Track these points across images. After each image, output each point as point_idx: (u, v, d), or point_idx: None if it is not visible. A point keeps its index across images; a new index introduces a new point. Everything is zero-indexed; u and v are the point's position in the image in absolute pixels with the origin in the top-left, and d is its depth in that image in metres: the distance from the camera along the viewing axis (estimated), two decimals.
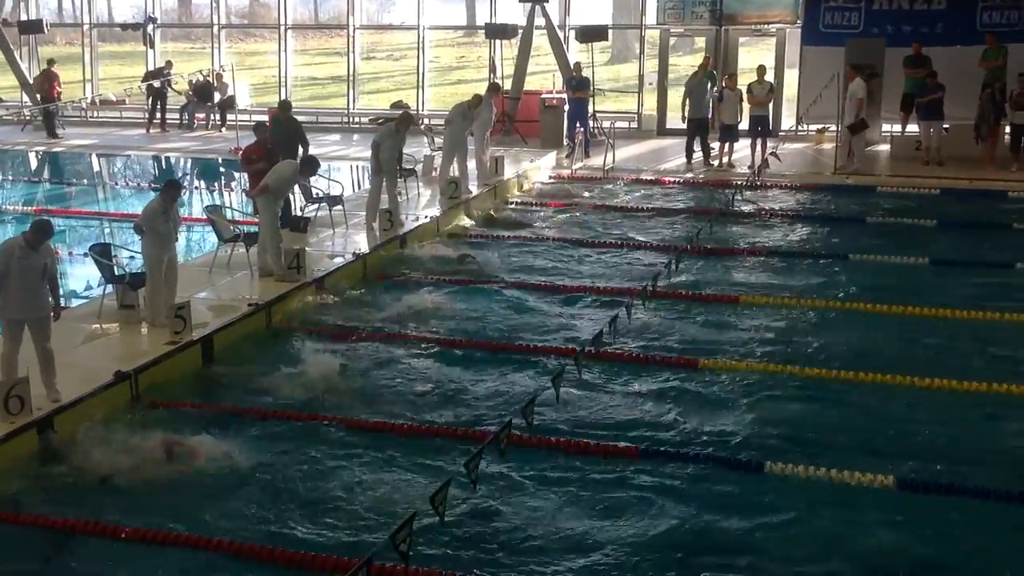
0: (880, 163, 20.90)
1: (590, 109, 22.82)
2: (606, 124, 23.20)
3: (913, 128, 21.28)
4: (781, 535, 7.37)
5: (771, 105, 21.44)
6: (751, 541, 7.32)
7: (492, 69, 25.13)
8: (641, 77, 25.78)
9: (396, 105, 16.53)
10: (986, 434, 9.03)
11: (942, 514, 7.57)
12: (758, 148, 20.57)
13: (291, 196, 14.71)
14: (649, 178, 20.22)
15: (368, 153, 15.99)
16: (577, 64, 22.71)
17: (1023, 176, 18.96)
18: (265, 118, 18.50)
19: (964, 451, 8.65)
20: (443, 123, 18.42)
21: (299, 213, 15.69)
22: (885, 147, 22.00)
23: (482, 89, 19.38)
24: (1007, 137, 20.06)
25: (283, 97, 24.99)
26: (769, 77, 21.53)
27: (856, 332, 11.51)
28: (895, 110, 21.50)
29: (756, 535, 7.39)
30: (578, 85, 22.36)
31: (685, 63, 29.29)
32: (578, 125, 21.97)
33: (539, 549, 7.25)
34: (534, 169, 20.64)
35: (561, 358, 10.33)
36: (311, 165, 13.56)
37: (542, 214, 17.58)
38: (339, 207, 15.79)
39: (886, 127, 22.36)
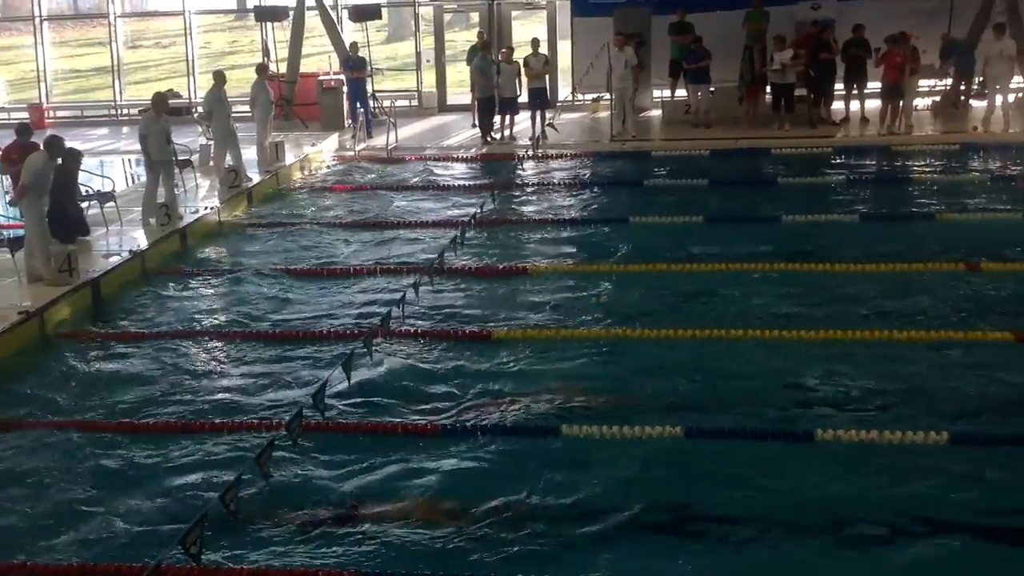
0: (653, 128, 21.59)
1: (369, 89, 22.60)
2: (387, 103, 23.06)
3: (682, 92, 22.13)
4: (573, 498, 7.51)
5: (547, 77, 21.79)
6: (554, 508, 7.43)
7: (265, 53, 24.52)
8: (418, 54, 25.72)
9: (160, 96, 15.76)
10: (759, 374, 9.45)
11: (726, 457, 7.89)
12: (538, 120, 20.89)
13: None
14: (434, 155, 20.24)
15: (138, 146, 15.33)
16: (354, 44, 22.46)
17: (785, 134, 19.99)
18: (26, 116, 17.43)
19: (743, 395, 9.02)
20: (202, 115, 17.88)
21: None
22: (657, 112, 22.77)
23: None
24: (768, 97, 21.09)
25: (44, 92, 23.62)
26: (543, 50, 21.87)
27: (640, 292, 11.84)
28: (664, 76, 22.26)
29: (557, 500, 7.50)
30: (355, 65, 22.09)
31: (462, 39, 29.42)
32: (359, 106, 21.76)
33: (333, 536, 7.12)
34: (316, 153, 20.31)
35: (351, 342, 10.21)
36: (73, 155, 12.83)
37: (327, 198, 17.32)
38: (111, 204, 15.06)
39: (656, 93, 23.13)
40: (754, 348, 9.92)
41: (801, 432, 8.16)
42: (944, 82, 22.08)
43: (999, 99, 19.53)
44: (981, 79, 20.61)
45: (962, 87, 21.81)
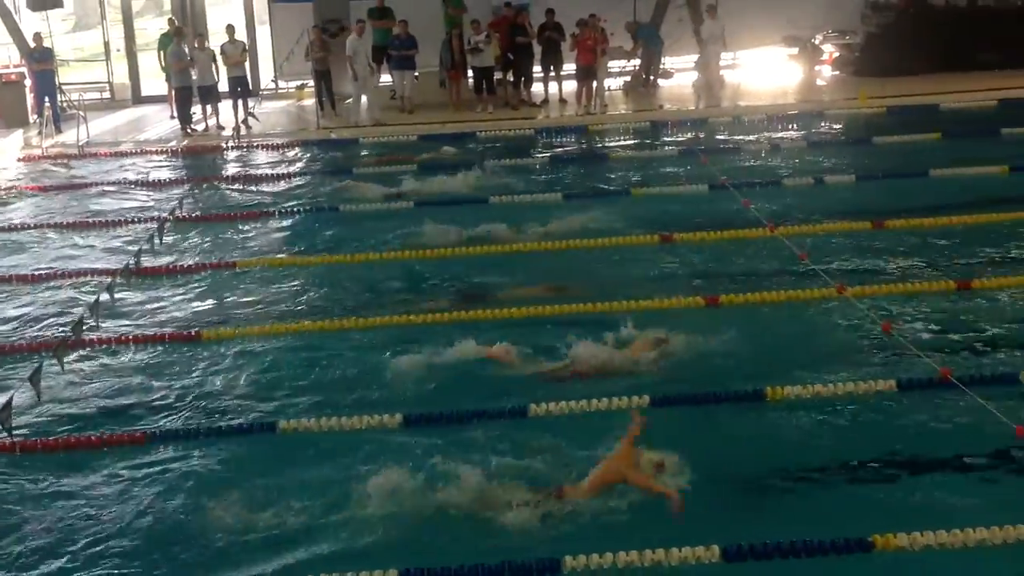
0: (360, 114, 21.48)
1: (56, 81, 21.18)
2: (75, 96, 21.71)
3: (387, 78, 22.12)
4: (297, 494, 7.36)
5: (247, 65, 21.20)
6: (274, 506, 7.25)
7: None
8: (107, 44, 24.35)
9: None
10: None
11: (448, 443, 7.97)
12: (240, 109, 20.30)
13: None
14: (130, 150, 19.25)
15: None
16: (37, 35, 20.95)
17: (489, 116, 20.42)
18: None
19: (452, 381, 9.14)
20: None
21: None
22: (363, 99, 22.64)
23: None
24: (471, 81, 21.45)
25: None
26: (241, 36, 21.26)
27: (351, 283, 11.72)
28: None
29: (271, 495, 7.32)
30: (40, 57, 20.63)
31: (154, 27, 28.11)
32: (46, 100, 20.36)
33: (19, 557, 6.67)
34: None
35: (37, 353, 9.54)
36: None
37: (13, 200, 16.10)
38: None
39: None
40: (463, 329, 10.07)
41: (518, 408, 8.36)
42: (633, 63, 23.24)
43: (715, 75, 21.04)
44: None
45: (651, 67, 23.03)
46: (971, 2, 22.95)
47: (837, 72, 23.29)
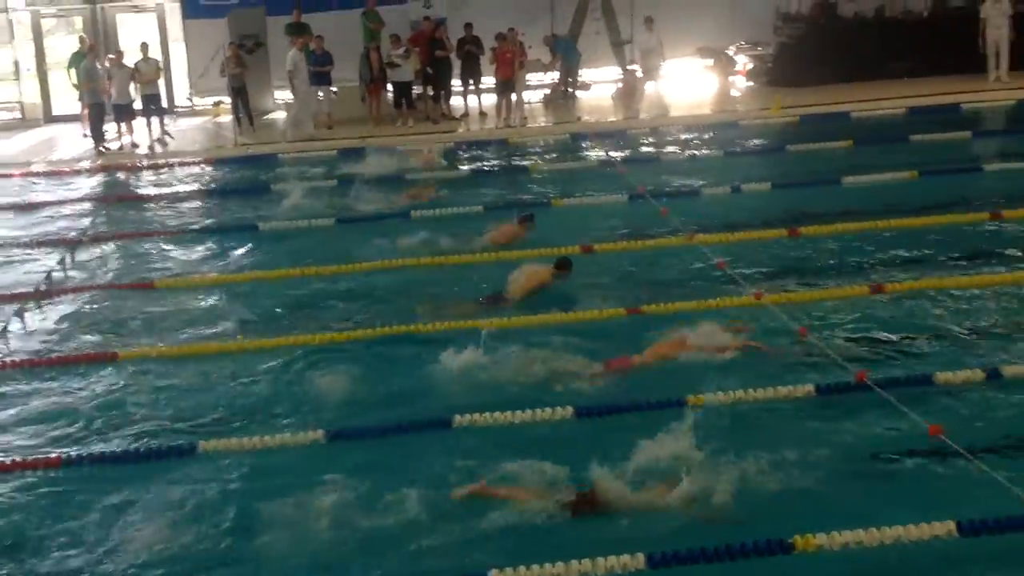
0: (278, 130, 21.30)
1: None
2: None
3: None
4: (212, 515, 7.27)
5: (161, 82, 20.91)
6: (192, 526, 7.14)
7: None
8: (16, 63, 23.82)
9: None
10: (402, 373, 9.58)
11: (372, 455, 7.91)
12: (155, 126, 20.00)
13: None
14: (42, 170, 18.84)
15: None
16: None
17: (409, 130, 20.39)
18: None
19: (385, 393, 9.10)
20: None
21: None
22: (282, 115, 22.46)
23: None
24: (390, 95, 21.41)
25: None
26: (155, 54, 20.97)
27: (271, 299, 11.61)
28: (285, 77, 21.97)
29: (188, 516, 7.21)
30: None
31: (65, 46, 27.53)
32: None
33: None
34: None
35: None
36: None
37: None
38: None
39: (279, 95, 22.82)
40: (388, 344, 10.03)
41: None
42: (552, 75, 23.40)
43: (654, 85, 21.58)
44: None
45: (569, 80, 23.21)
46: (879, 13, 23.53)
47: (751, 83, 23.73)
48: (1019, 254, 11.69)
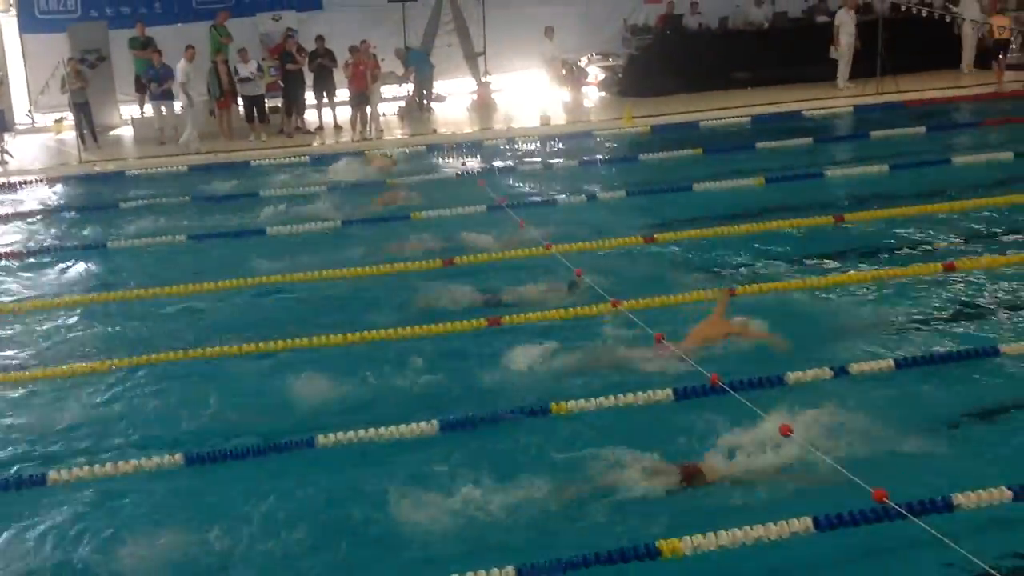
0: (125, 146, 20.65)
1: None
2: None
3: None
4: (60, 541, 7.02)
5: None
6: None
7: None
8: None
9: None
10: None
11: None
12: None
13: None
14: None
15: None
16: None
17: (263, 145, 20.05)
18: None
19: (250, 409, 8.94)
20: None
21: None
22: (128, 130, 21.79)
23: None
24: (241, 109, 21.01)
25: None
26: None
27: (124, 320, 11.27)
28: (131, 92, 21.42)
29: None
30: None
31: None
32: None
33: None
34: None
35: None
36: None
37: None
38: None
39: (124, 110, 22.15)
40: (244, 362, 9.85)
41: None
42: (406, 88, 23.35)
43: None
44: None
45: (423, 92, 23.19)
46: (722, 24, 24.27)
47: (603, 93, 24.14)
48: (862, 255, 12.23)
